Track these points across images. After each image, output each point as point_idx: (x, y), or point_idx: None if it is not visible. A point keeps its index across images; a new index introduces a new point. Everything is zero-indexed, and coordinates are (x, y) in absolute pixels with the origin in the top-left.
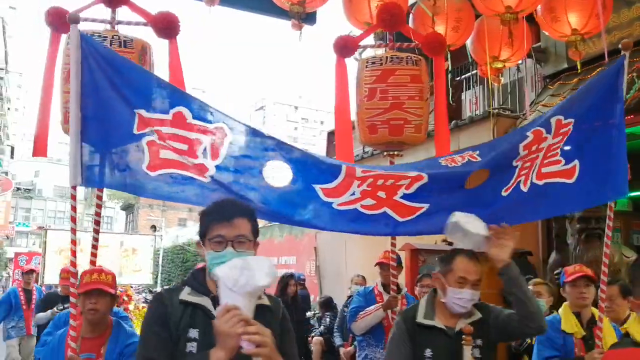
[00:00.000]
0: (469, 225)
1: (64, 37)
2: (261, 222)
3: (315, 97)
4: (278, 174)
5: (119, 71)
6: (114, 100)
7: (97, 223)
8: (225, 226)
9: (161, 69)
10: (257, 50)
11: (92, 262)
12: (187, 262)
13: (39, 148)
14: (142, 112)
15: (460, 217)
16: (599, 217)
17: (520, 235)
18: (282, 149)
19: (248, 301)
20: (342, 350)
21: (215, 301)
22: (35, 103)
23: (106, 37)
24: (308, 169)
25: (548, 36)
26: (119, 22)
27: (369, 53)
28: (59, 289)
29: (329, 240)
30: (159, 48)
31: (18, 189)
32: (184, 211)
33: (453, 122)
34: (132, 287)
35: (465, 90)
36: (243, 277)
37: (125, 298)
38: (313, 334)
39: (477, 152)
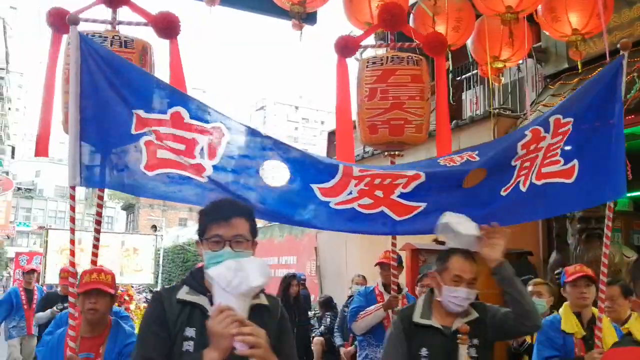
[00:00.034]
0: (460, 226)
1: (65, 37)
2: (261, 222)
3: (316, 97)
4: (276, 174)
5: (118, 72)
6: (113, 100)
7: (99, 223)
8: (222, 226)
9: (162, 69)
10: (257, 50)
11: (94, 262)
12: (187, 262)
13: (41, 148)
14: (140, 112)
15: (450, 218)
16: (599, 217)
17: (521, 235)
18: (280, 149)
19: (242, 302)
20: (342, 350)
21: None
22: (36, 103)
23: (107, 37)
24: (305, 168)
25: (549, 36)
26: (120, 23)
27: (369, 53)
28: (59, 289)
29: (329, 240)
30: (159, 48)
31: (19, 188)
32: (185, 211)
33: (454, 122)
34: (133, 286)
35: (466, 90)
36: (237, 278)
37: (127, 298)
38: (313, 334)
39: (476, 152)
